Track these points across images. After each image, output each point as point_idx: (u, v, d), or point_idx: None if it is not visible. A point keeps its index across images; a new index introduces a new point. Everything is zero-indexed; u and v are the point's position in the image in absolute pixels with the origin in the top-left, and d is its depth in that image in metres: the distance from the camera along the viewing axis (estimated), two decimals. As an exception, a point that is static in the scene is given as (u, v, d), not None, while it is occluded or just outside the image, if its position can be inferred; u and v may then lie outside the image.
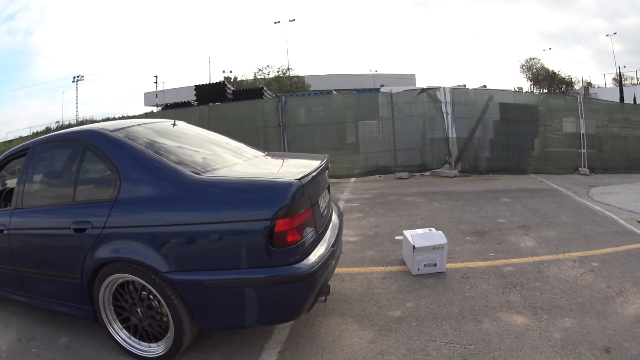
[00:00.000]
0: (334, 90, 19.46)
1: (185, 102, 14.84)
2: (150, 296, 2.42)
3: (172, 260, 2.26)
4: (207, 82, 14.04)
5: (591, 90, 34.30)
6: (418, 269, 3.51)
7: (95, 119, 33.94)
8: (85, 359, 2.65)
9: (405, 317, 2.86)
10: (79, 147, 2.77)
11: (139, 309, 2.50)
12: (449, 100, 8.69)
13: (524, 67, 42.25)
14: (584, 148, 9.07)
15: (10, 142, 34.14)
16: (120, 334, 2.62)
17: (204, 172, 2.45)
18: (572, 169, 9.05)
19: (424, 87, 9.34)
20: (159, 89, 37.83)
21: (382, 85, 18.90)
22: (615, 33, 43.81)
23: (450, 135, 8.83)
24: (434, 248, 3.46)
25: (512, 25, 78.70)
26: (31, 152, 3.04)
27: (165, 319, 2.41)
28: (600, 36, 70.09)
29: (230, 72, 41.46)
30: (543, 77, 39.88)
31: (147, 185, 2.41)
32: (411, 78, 34.27)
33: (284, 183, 2.26)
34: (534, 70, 41.65)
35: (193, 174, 2.39)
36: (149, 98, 39.57)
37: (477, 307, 2.94)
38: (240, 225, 2.18)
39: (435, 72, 75.85)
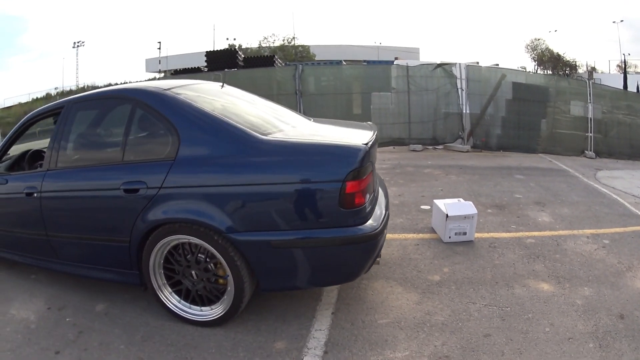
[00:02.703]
0: (344, 61, 19.20)
1: (195, 67, 14.61)
2: (207, 258, 2.42)
3: (238, 221, 2.25)
4: (217, 49, 13.82)
5: (595, 76, 34.23)
6: (449, 237, 3.72)
7: (97, 85, 33.33)
8: (129, 326, 2.59)
9: (444, 281, 3.08)
10: (127, 106, 2.68)
11: (193, 272, 2.48)
12: (463, 76, 8.76)
13: (528, 47, 41.92)
14: (590, 132, 9.24)
15: (8, 109, 33.36)
16: (171, 299, 2.59)
17: (269, 134, 2.46)
18: (579, 152, 9.25)
19: (440, 62, 9.37)
20: (162, 55, 37.04)
21: (396, 58, 18.77)
22: (622, 20, 43.36)
23: (464, 111, 8.95)
24: (465, 217, 3.66)
25: (519, 2, 77.35)
26: (67, 111, 2.92)
27: (221, 281, 2.43)
28: (607, 23, 69.27)
29: (234, 39, 40.64)
30: (547, 59, 39.65)
31: (211, 145, 2.37)
32: (415, 52, 33.84)
33: (354, 147, 2.31)
34: (539, 51, 41.36)
35: (260, 135, 2.40)
36: (151, 64, 38.76)
37: (507, 274, 3.17)
38: (312, 186, 2.22)
39: (439, 47, 74.68)
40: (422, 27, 77.70)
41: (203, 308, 2.52)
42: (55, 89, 37.00)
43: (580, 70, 38.48)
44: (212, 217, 2.26)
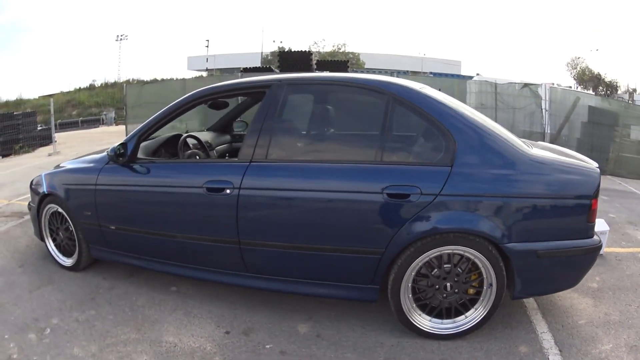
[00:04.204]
0: (431, 72, 19.44)
1: (266, 67, 15.07)
2: (468, 269, 2.37)
3: (511, 231, 2.26)
4: (291, 50, 14.24)
5: (635, 97, 33.85)
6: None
7: (142, 79, 34.22)
8: (361, 349, 2.36)
9: (601, 288, 3.49)
10: (378, 100, 2.47)
11: (448, 284, 2.37)
12: (547, 97, 9.22)
13: (569, 65, 41.68)
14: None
15: (50, 97, 34.15)
16: (421, 320, 2.42)
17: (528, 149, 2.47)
18: None
19: (527, 82, 9.85)
20: (204, 54, 37.93)
21: (477, 74, 19.33)
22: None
23: (547, 131, 9.39)
24: (601, 233, 4.16)
25: (562, 20, 76.44)
26: (276, 92, 2.56)
27: (471, 291, 2.40)
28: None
29: (281, 42, 41.23)
30: (588, 78, 39.35)
31: (486, 154, 2.29)
32: (457, 64, 34.10)
33: (595, 169, 2.48)
34: (579, 70, 41.08)
35: (527, 150, 2.43)
36: (193, 62, 39.68)
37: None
38: (571, 201, 2.33)
39: (480, 61, 74.36)
40: (464, 40, 77.52)
41: (456, 319, 2.44)
42: (93, 80, 38.26)
43: (619, 91, 38.11)
44: (490, 227, 2.23)
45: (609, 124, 9.62)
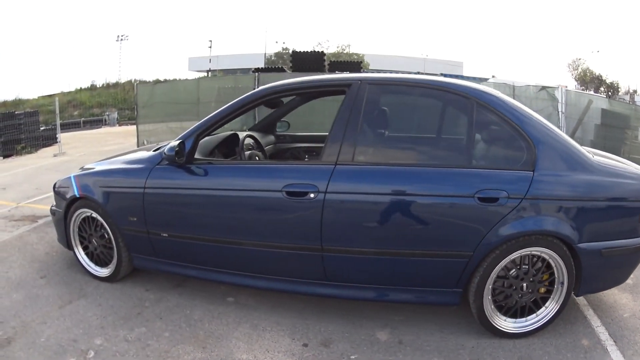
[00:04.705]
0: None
1: (279, 67, 14.96)
2: (542, 269, 2.45)
3: (583, 232, 2.37)
4: (304, 50, 14.05)
5: (636, 98, 33.97)
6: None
7: (145, 79, 34.13)
8: (446, 351, 2.37)
9: (636, 284, 3.36)
10: (462, 104, 2.49)
11: (524, 284, 2.45)
12: (563, 100, 9.16)
13: (570, 67, 41.84)
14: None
15: (50, 97, 34.02)
16: (503, 322, 2.49)
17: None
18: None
19: (544, 85, 9.79)
20: (206, 55, 37.85)
21: (493, 76, 19.43)
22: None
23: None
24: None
25: (563, 21, 76.77)
26: (358, 91, 2.48)
27: (542, 289, 2.49)
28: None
29: (284, 43, 41.06)
30: (590, 79, 39.48)
31: (561, 160, 2.39)
32: (459, 65, 34.11)
33: None
34: (580, 71, 41.24)
35: (591, 156, 2.52)
36: (194, 63, 39.47)
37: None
38: (630, 203, 2.47)
39: (482, 61, 74.64)
40: (465, 41, 77.70)
41: (528, 318, 2.51)
42: (93, 81, 37.92)
43: (620, 93, 38.22)
44: (566, 228, 2.33)
45: (620, 126, 9.58)
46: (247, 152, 3.13)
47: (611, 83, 39.02)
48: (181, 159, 2.63)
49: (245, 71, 29.19)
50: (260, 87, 2.76)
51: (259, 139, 3.62)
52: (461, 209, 2.34)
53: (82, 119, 26.03)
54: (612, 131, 9.46)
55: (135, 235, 2.86)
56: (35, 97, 33.56)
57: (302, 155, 3.96)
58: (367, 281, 2.51)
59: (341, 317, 2.66)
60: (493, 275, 2.39)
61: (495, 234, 2.30)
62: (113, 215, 2.90)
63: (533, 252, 2.40)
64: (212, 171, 2.69)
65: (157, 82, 14.19)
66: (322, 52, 14.03)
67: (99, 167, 3.22)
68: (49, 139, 14.88)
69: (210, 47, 39.32)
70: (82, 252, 3.22)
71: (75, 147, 12.91)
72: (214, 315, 2.70)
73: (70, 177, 3.18)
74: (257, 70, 13.86)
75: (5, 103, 29.27)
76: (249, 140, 3.33)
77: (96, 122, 25.97)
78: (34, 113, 15.05)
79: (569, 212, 2.37)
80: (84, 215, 3.12)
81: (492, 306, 2.46)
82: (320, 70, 12.73)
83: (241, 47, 79.49)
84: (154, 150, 3.00)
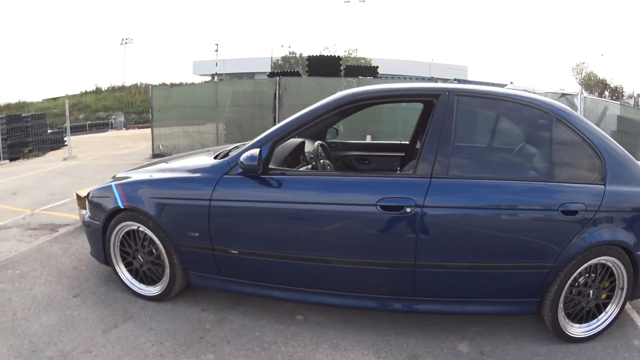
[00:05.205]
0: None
1: (295, 71, 14.86)
2: (603, 276, 2.54)
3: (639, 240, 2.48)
4: (320, 55, 13.98)
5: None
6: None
7: (150, 83, 34.05)
8: None
9: None
10: (541, 119, 2.57)
11: (590, 291, 2.54)
12: (583, 107, 9.11)
13: (574, 70, 41.86)
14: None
15: (55, 100, 33.00)
16: (569, 327, 2.56)
17: None
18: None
19: (564, 92, 9.72)
20: (210, 58, 37.63)
21: (511, 82, 19.40)
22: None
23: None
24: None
25: (566, 25, 76.95)
26: (447, 102, 2.47)
27: (603, 295, 2.58)
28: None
29: (289, 47, 40.76)
30: (594, 83, 39.49)
31: (627, 173, 2.49)
32: (463, 69, 34.07)
33: None
34: (584, 75, 41.25)
35: None
36: (199, 67, 39.19)
37: None
38: None
39: (486, 66, 74.67)
40: (470, 45, 77.59)
41: (590, 323, 2.61)
42: (95, 85, 37.85)
43: (624, 96, 38.22)
44: (630, 238, 2.45)
45: (634, 132, 9.58)
46: (321, 162, 3.03)
47: (615, 87, 39.07)
48: (258, 169, 2.44)
49: (251, 75, 29.22)
50: (342, 94, 2.67)
51: (326, 147, 3.47)
52: (547, 221, 2.43)
53: (88, 122, 25.87)
54: (627, 137, 9.43)
55: (196, 252, 2.65)
56: (40, 100, 33.62)
57: (354, 163, 3.85)
58: (454, 295, 2.52)
59: (419, 331, 2.61)
60: (567, 284, 2.46)
61: (574, 245, 2.39)
62: (168, 230, 2.67)
63: (601, 261, 2.50)
64: (295, 183, 2.57)
65: (173, 85, 14.02)
66: (339, 56, 13.97)
67: (142, 176, 2.96)
68: (57, 142, 14.86)
69: (217, 50, 39.35)
70: (125, 269, 2.95)
71: (85, 151, 12.78)
72: (287, 337, 2.51)
73: (111, 186, 2.90)
74: (272, 74, 13.80)
75: (9, 106, 29.15)
76: (320, 150, 3.17)
77: (102, 126, 25.82)
78: (41, 115, 14.98)
79: (633, 223, 2.48)
80: (128, 229, 2.86)
81: (563, 313, 2.54)
82: (336, 74, 12.55)
83: (247, 51, 79.01)
84: (216, 157, 2.83)
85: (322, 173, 2.87)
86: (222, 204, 2.54)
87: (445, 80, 13.71)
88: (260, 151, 2.44)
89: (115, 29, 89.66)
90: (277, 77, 10.23)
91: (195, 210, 2.58)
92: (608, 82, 39.80)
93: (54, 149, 14.26)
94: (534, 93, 9.62)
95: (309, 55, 14.05)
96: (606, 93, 38.68)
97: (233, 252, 2.57)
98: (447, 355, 2.40)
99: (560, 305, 2.49)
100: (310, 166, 3.04)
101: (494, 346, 2.52)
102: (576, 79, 41.73)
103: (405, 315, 2.69)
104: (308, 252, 2.50)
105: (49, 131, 15.16)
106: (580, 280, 2.52)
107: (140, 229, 2.79)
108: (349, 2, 34.98)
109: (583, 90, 39.52)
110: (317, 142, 3.17)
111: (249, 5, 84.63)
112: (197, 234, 2.59)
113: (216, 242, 2.58)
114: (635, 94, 38.24)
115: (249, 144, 2.61)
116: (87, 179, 7.62)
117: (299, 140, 3.24)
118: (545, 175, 2.52)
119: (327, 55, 14.35)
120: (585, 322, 2.61)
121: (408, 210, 2.31)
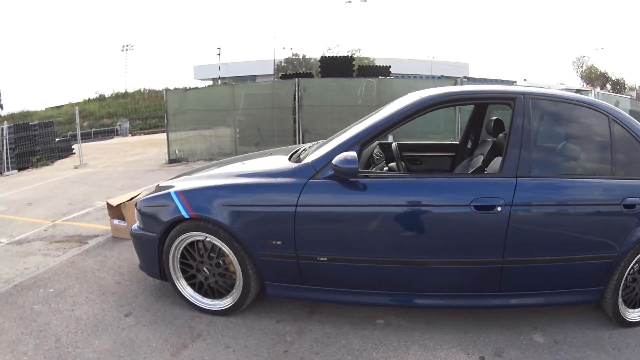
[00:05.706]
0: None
1: (307, 72, 14.76)
2: None
3: None
4: (332, 55, 13.93)
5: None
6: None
7: (155, 89, 33.90)
8: (592, 345, 2.50)
9: None
10: (600, 120, 2.68)
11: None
12: None
13: (575, 64, 41.86)
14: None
15: (58, 108, 32.90)
16: (626, 312, 2.68)
17: None
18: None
19: (578, 89, 9.74)
20: (211, 62, 37.53)
21: (524, 79, 19.42)
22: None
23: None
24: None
25: (567, 19, 76.89)
26: (524, 105, 2.57)
27: None
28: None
29: (291, 49, 40.51)
30: (596, 77, 39.44)
31: None
32: (465, 66, 34.02)
33: None
34: (585, 69, 41.24)
35: None
36: (200, 71, 39.08)
37: None
38: None
39: (487, 62, 74.61)
40: (469, 40, 77.50)
41: (636, 309, 2.75)
42: (96, 92, 37.59)
43: (626, 89, 38.18)
44: None
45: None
46: (393, 163, 3.12)
47: (617, 80, 39.02)
48: (352, 172, 2.40)
49: (253, 78, 29.15)
50: (428, 95, 2.70)
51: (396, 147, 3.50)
52: (612, 215, 2.57)
53: (93, 129, 25.77)
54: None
55: (277, 262, 2.56)
56: (43, 108, 33.46)
57: (407, 164, 3.85)
58: (533, 288, 2.62)
59: (495, 326, 2.66)
60: (627, 272, 2.60)
61: (634, 235, 2.54)
62: (244, 239, 2.54)
63: None
64: (388, 185, 2.56)
65: (188, 89, 13.98)
66: (351, 57, 13.97)
67: (206, 183, 2.81)
68: (64, 151, 14.88)
69: (219, 54, 38.74)
70: (185, 283, 2.80)
71: (94, 158, 12.72)
72: (375, 342, 2.45)
73: (169, 194, 2.73)
74: (283, 77, 13.75)
75: (12, 116, 29.04)
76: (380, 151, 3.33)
77: (107, 133, 25.71)
78: (49, 124, 15.01)
79: None
80: (191, 240, 2.70)
81: (621, 299, 2.66)
82: (349, 75, 12.42)
83: (248, 54, 78.77)
84: (292, 160, 2.78)
85: (413, 175, 3.06)
86: (310, 210, 2.47)
87: (452, 78, 13.61)
88: (355, 154, 2.40)
89: (116, 35, 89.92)
90: (297, 79, 10.09)
91: (279, 217, 2.49)
92: (609, 75, 39.77)
93: (62, 157, 14.29)
94: (549, 89, 9.70)
95: (322, 56, 14.04)
96: (608, 86, 38.62)
97: (321, 259, 2.49)
98: (527, 346, 2.47)
99: (620, 292, 2.62)
100: (387, 167, 3.18)
101: (564, 335, 2.60)
102: (577, 72, 41.80)
103: (477, 312, 2.76)
104: (402, 255, 2.50)
105: (57, 139, 15.19)
106: (635, 267, 2.65)
107: (207, 239, 2.65)
108: (350, 2, 34.86)
109: (584, 84, 39.64)
110: (394, 143, 3.30)
111: (250, 8, 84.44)
112: (279, 242, 2.50)
113: (302, 249, 2.49)
114: (637, 87, 38.22)
115: (332, 147, 2.58)
116: (106, 187, 7.63)
117: (377, 141, 3.31)
118: (608, 172, 2.65)
119: (340, 56, 14.24)
120: (637, 307, 2.74)
121: (499, 209, 2.40)
